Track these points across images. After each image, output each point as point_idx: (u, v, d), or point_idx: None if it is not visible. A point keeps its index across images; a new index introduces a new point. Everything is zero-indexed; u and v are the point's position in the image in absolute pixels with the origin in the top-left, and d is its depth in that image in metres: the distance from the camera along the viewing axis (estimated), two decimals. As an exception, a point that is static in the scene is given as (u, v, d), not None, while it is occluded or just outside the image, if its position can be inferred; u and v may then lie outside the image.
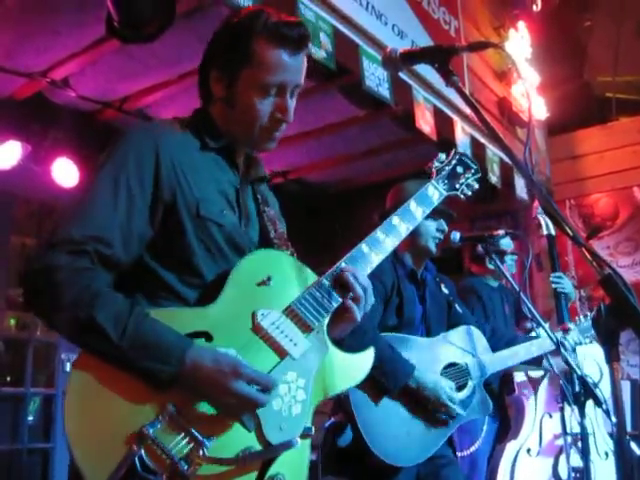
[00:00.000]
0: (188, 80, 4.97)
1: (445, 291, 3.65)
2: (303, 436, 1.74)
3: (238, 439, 1.66)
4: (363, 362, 1.96)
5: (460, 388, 3.33)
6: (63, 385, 6.17)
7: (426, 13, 5.60)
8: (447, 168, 2.46)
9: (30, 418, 6.12)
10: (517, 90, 7.08)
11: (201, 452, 1.59)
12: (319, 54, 3.91)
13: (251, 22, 1.91)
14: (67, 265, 1.65)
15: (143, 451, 1.55)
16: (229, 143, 1.99)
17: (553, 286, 4.37)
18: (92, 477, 1.53)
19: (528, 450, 4.37)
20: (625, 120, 7.88)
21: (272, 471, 1.68)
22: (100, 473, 1.53)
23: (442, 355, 3.36)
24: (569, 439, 3.88)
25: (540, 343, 3.65)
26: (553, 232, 4.33)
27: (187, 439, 1.60)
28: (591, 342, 3.90)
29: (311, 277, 1.92)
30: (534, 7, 7.91)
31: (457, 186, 2.44)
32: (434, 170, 2.45)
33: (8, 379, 6.08)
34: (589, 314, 4.01)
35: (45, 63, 4.80)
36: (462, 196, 2.48)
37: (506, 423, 4.67)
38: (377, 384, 3.06)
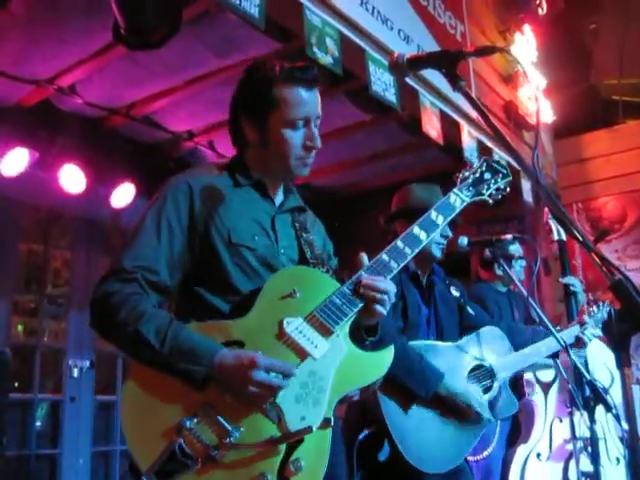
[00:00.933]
0: (194, 86, 4.99)
1: (455, 294, 3.65)
2: (322, 425, 1.95)
3: (263, 429, 1.92)
4: (382, 360, 2.13)
5: (486, 390, 3.33)
6: (70, 391, 6.18)
7: (432, 18, 5.60)
8: (472, 176, 2.52)
9: (38, 424, 6.13)
10: (523, 93, 7.07)
11: (228, 440, 1.86)
12: (325, 59, 3.91)
13: (269, 73, 2.22)
14: (119, 291, 2.03)
15: (182, 440, 1.86)
16: (259, 179, 2.30)
17: (567, 285, 4.33)
18: (141, 461, 1.86)
19: (538, 455, 4.36)
20: (632, 123, 7.86)
21: (294, 456, 1.90)
22: (148, 458, 1.86)
23: (467, 359, 3.37)
24: (579, 444, 3.87)
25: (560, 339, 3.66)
26: (564, 237, 4.32)
27: (218, 430, 1.88)
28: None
29: (334, 286, 2.15)
30: (540, 10, 7.90)
31: (484, 191, 2.51)
32: (459, 179, 2.50)
33: (16, 385, 6.09)
34: (601, 304, 3.98)
35: (52, 70, 4.81)
36: (491, 200, 2.53)
37: (517, 427, 4.65)
38: (408, 392, 3.08)
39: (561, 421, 4.43)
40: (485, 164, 2.57)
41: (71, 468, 6.05)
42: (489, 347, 3.46)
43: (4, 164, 5.01)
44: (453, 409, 3.17)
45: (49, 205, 6.24)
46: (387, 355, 2.14)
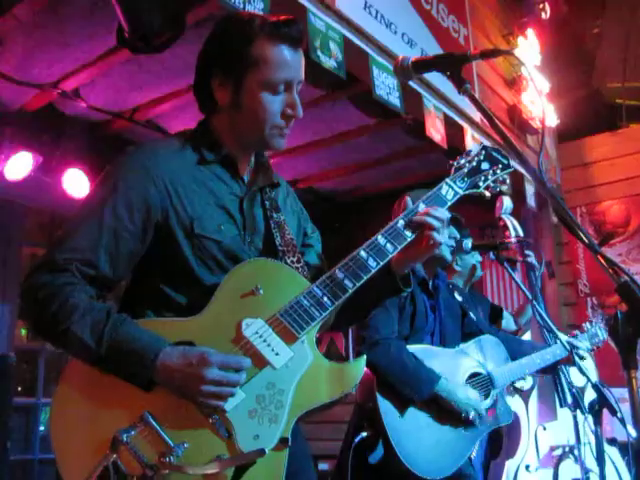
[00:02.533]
0: (198, 90, 4.98)
1: (459, 299, 3.65)
2: (278, 447, 1.72)
3: (211, 446, 1.68)
4: (351, 372, 1.88)
5: (485, 397, 3.33)
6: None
7: (435, 21, 5.60)
8: (468, 165, 2.21)
9: (41, 428, 6.13)
10: (527, 97, 7.06)
11: (168, 459, 1.63)
12: (329, 63, 3.91)
13: (248, 25, 1.94)
14: (48, 283, 1.76)
15: (116, 456, 1.61)
16: (229, 153, 2.01)
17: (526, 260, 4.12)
18: (69, 478, 1.65)
19: (527, 467, 4.29)
20: (635, 126, 7.85)
21: None
22: (77, 475, 1.63)
23: (465, 365, 3.38)
24: (567, 450, 3.85)
25: (554, 350, 3.65)
26: (521, 233, 3.99)
27: (159, 446, 1.64)
28: (598, 348, 3.88)
29: (303, 285, 1.90)
30: (543, 14, 7.89)
31: (480, 183, 2.20)
32: (454, 167, 2.23)
33: (20, 389, 6.10)
34: (594, 321, 3.98)
35: (56, 74, 4.82)
36: (488, 193, 2.23)
37: (498, 436, 4.60)
38: (401, 395, 3.07)
39: (545, 428, 4.38)
40: (484, 152, 2.25)
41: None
42: (488, 355, 3.46)
43: (8, 168, 5.03)
44: (450, 413, 3.17)
45: (53, 209, 6.26)
46: (358, 368, 1.89)
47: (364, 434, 3.09)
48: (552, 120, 7.63)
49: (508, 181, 2.29)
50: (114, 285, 1.90)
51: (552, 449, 4.25)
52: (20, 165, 5.08)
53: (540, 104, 7.09)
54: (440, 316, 3.48)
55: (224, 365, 1.69)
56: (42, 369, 6.14)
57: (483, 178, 2.21)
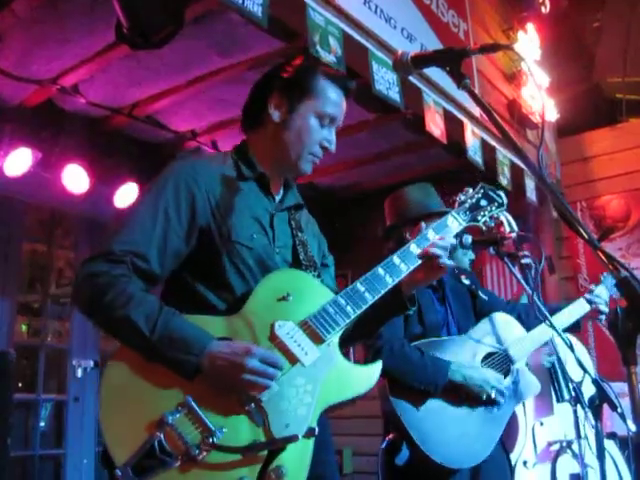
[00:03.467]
0: (197, 86, 4.98)
1: (466, 282, 3.63)
2: (307, 435, 1.91)
3: (247, 432, 1.88)
4: (369, 374, 2.14)
5: (505, 375, 3.32)
6: (74, 391, 6.19)
7: (435, 16, 5.59)
8: (470, 201, 2.53)
9: (42, 424, 6.14)
10: (527, 92, 7.05)
11: (211, 440, 1.81)
12: (328, 58, 3.90)
13: (315, 65, 2.37)
14: (107, 271, 1.96)
15: (162, 436, 1.80)
16: (263, 173, 2.29)
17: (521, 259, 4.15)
18: (117, 454, 1.78)
19: (525, 462, 4.28)
20: (635, 121, 7.83)
21: (275, 463, 1.86)
22: (124, 451, 1.78)
23: (476, 348, 3.36)
24: (564, 445, 3.84)
25: (571, 310, 3.64)
26: (516, 228, 4.07)
27: (201, 428, 1.83)
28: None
29: (328, 295, 2.14)
30: (543, 9, 7.88)
31: (479, 218, 2.52)
32: (457, 202, 2.52)
33: (20, 385, 6.10)
34: (607, 274, 3.94)
35: (55, 70, 4.81)
36: (484, 227, 2.55)
37: None
38: (416, 392, 3.07)
39: (542, 424, 4.37)
40: (482, 191, 2.59)
41: (75, 468, 6.06)
42: (500, 332, 3.43)
43: (8, 164, 5.02)
44: (470, 399, 3.15)
45: (52, 205, 6.26)
46: (375, 369, 2.14)
47: (389, 437, 3.12)
48: (552, 115, 7.63)
49: (502, 218, 2.57)
50: (158, 282, 2.11)
51: (549, 444, 4.24)
52: (19, 161, 5.06)
53: (540, 99, 7.08)
54: (450, 306, 3.47)
55: (264, 359, 1.88)
56: (42, 365, 6.14)
57: (482, 214, 2.54)
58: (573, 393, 3.42)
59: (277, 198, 2.35)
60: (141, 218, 2.07)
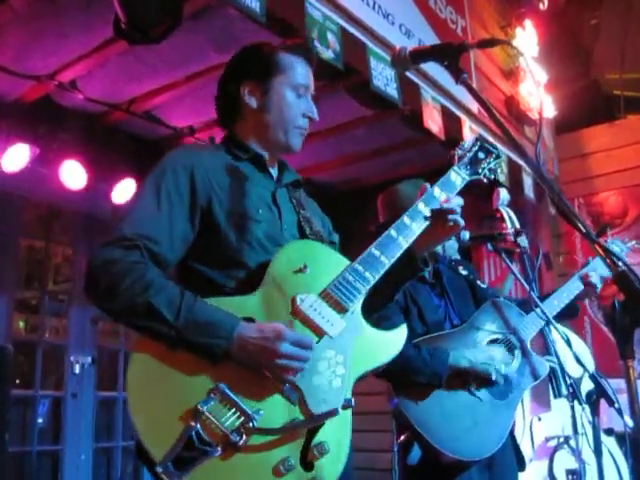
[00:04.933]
0: (195, 81, 4.98)
1: (463, 272, 3.62)
2: (344, 406, 1.89)
3: (284, 411, 1.86)
4: (396, 338, 2.12)
5: (508, 361, 3.30)
6: (72, 387, 6.19)
7: (433, 12, 5.59)
8: (469, 154, 2.49)
9: (40, 420, 6.14)
10: (525, 88, 7.05)
11: (251, 424, 1.79)
12: (326, 54, 3.90)
13: (270, 45, 2.31)
14: (121, 258, 1.90)
15: (199, 426, 1.76)
16: (257, 152, 2.28)
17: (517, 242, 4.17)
18: (154, 450, 1.74)
19: None
20: (633, 118, 7.84)
21: (317, 440, 1.85)
22: (161, 446, 1.74)
23: (480, 336, 3.33)
24: (561, 440, 3.85)
25: (569, 287, 3.63)
26: (517, 224, 4.10)
27: (238, 414, 1.80)
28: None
29: (344, 263, 2.11)
30: (541, 5, 7.88)
31: (479, 170, 2.49)
32: (456, 157, 2.48)
33: (17, 381, 6.09)
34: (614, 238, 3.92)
35: (52, 66, 4.80)
36: (485, 180, 2.52)
37: None
38: (422, 387, 3.07)
39: (540, 419, 4.37)
40: (478, 144, 2.55)
41: (73, 464, 6.05)
42: (500, 317, 3.41)
43: (5, 160, 5.01)
44: (479, 380, 3.13)
45: (50, 201, 6.25)
46: (401, 333, 2.13)
47: (403, 438, 3.09)
48: (550, 111, 7.63)
49: (499, 170, 2.50)
50: (170, 267, 2.06)
51: (547, 440, 4.25)
52: (17, 157, 5.05)
53: (538, 95, 7.08)
54: (449, 299, 3.45)
55: (296, 342, 1.86)
56: (40, 361, 6.13)
57: (481, 166, 2.49)
58: (571, 389, 3.41)
59: (274, 177, 2.34)
60: (145, 205, 2.04)
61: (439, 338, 3.26)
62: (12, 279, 6.13)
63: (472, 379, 3.14)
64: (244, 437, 1.78)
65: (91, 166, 5.44)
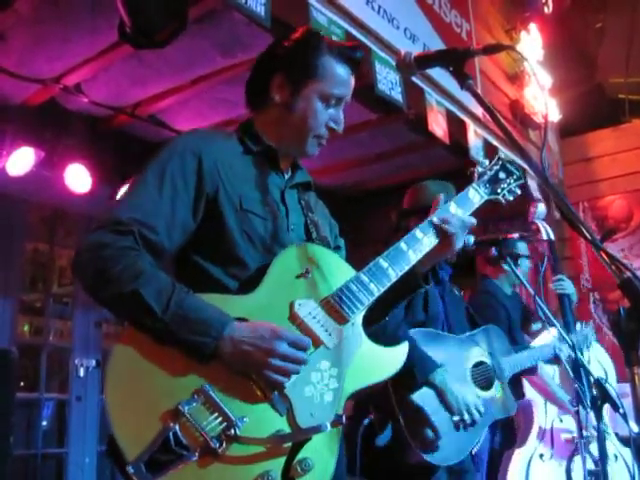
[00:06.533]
0: (200, 85, 4.98)
1: (457, 294, 3.68)
2: (334, 423, 1.78)
3: (270, 421, 1.75)
4: (396, 356, 2.03)
5: (488, 387, 3.33)
6: (77, 390, 6.19)
7: (438, 16, 5.59)
8: (489, 173, 2.45)
9: (44, 423, 6.14)
10: (529, 92, 7.05)
11: (233, 431, 1.68)
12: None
13: (318, 41, 2.16)
14: (113, 243, 1.80)
15: (178, 427, 1.65)
16: (270, 147, 2.17)
17: (555, 289, 4.33)
18: (128, 448, 1.62)
19: (541, 455, 4.33)
20: (638, 122, 7.84)
21: (301, 455, 1.74)
22: (135, 445, 1.62)
23: (471, 353, 3.37)
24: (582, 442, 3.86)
25: (554, 343, 3.70)
26: (552, 237, 4.27)
27: (220, 418, 1.69)
28: (587, 349, 3.90)
29: (349, 271, 2.05)
30: (545, 9, 7.89)
31: (499, 191, 2.45)
32: (476, 174, 2.44)
33: (22, 384, 6.10)
34: (584, 324, 4.01)
35: (58, 69, 4.81)
36: (503, 201, 2.48)
37: (509, 429, 4.62)
38: (407, 375, 3.07)
39: (561, 420, 4.41)
40: (500, 163, 2.49)
41: (77, 467, 6.06)
42: (494, 344, 3.48)
43: (10, 163, 5.02)
44: (445, 405, 3.14)
45: (55, 204, 6.26)
46: (402, 351, 2.05)
47: (371, 417, 3.04)
48: (554, 115, 7.63)
49: (519, 192, 2.49)
50: (166, 256, 1.95)
51: (567, 441, 4.29)
52: (22, 160, 5.06)
53: (542, 99, 7.08)
54: (445, 304, 3.49)
55: (293, 343, 1.78)
56: (44, 364, 6.14)
57: (501, 187, 2.46)
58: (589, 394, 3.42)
59: (286, 176, 2.24)
60: (147, 188, 1.93)
61: (439, 338, 3.29)
62: (17, 282, 6.14)
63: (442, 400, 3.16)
64: (224, 444, 1.67)
65: (96, 169, 5.45)
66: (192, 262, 2.00)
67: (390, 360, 2.02)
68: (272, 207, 2.09)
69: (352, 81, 2.20)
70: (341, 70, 2.14)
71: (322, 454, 1.78)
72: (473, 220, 2.25)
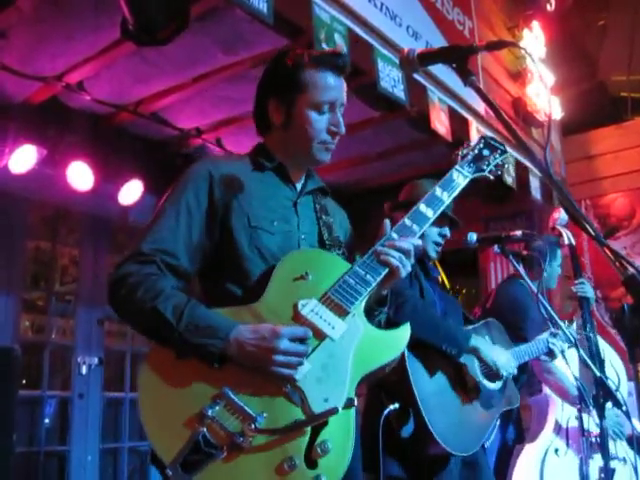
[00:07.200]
0: (202, 83, 4.98)
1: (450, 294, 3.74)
2: (347, 406, 1.93)
3: (287, 412, 1.91)
4: (399, 338, 2.14)
5: (494, 379, 3.35)
6: (79, 388, 6.19)
7: (440, 14, 5.59)
8: (472, 153, 2.49)
9: (46, 421, 6.15)
10: (532, 90, 7.05)
11: (254, 426, 1.85)
12: (334, 55, 3.90)
13: (299, 57, 2.27)
14: (137, 271, 2.04)
15: (205, 429, 1.85)
16: (281, 163, 2.32)
17: (577, 292, 4.34)
18: (164, 454, 1.84)
19: (556, 450, 4.35)
20: (640, 119, 7.84)
21: (320, 438, 1.89)
22: (171, 451, 1.84)
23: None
24: (597, 439, 3.87)
25: (536, 347, 3.73)
26: (573, 242, 4.33)
27: (242, 416, 1.87)
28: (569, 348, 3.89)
29: (345, 267, 2.15)
30: (548, 7, 7.87)
31: (484, 167, 2.47)
32: (460, 156, 2.48)
33: (24, 382, 6.10)
34: (569, 321, 4.01)
35: (60, 67, 4.81)
36: (491, 177, 2.49)
37: (519, 422, 4.64)
38: (437, 352, 3.12)
39: (576, 417, 4.43)
40: (483, 141, 2.54)
41: (80, 465, 6.06)
42: (496, 337, 3.51)
43: (12, 161, 5.02)
44: (468, 387, 3.20)
45: (57, 202, 6.25)
46: (404, 333, 2.14)
47: (392, 407, 2.98)
48: (557, 113, 7.62)
49: (507, 166, 2.47)
50: (190, 277, 2.18)
51: (583, 436, 4.30)
52: (24, 158, 5.06)
53: (545, 97, 7.08)
54: (439, 297, 3.51)
55: (292, 336, 1.92)
56: (47, 362, 6.14)
57: (486, 163, 2.49)
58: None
59: (298, 187, 2.37)
60: (166, 217, 2.14)
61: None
62: (19, 280, 6.14)
63: (464, 382, 3.20)
64: (248, 438, 1.84)
65: (98, 167, 5.44)
66: (213, 280, 2.21)
67: (393, 342, 2.12)
68: (281, 222, 2.23)
69: (342, 83, 2.31)
70: (326, 77, 2.25)
71: (339, 435, 1.92)
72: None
